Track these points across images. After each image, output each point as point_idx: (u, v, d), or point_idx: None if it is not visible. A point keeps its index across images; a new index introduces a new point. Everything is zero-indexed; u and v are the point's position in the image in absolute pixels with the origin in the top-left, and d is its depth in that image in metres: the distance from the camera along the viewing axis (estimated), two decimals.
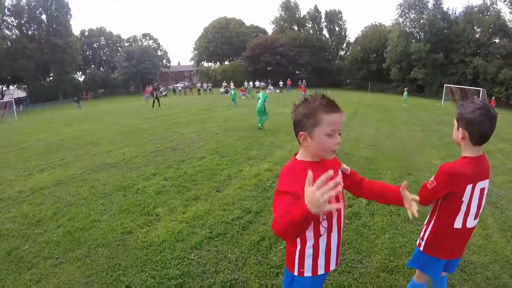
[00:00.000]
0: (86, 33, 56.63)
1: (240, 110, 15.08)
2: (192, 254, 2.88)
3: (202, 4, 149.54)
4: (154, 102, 19.92)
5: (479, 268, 2.95)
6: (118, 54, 57.33)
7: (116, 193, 4.47)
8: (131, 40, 62.69)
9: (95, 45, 58.13)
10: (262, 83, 22.24)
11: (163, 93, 40.57)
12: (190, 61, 68.58)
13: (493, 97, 29.63)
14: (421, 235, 1.90)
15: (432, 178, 1.70)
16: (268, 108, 9.60)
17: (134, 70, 50.87)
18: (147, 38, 64.43)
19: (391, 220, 3.57)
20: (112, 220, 3.62)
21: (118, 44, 61.12)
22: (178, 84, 46.57)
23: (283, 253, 2.88)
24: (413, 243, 3.07)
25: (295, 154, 1.40)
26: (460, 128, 1.68)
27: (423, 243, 1.87)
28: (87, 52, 57.08)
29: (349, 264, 2.76)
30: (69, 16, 47.00)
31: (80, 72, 56.05)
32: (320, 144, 1.28)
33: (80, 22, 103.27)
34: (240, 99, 23.06)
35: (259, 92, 10.19)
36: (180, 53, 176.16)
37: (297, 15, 59.40)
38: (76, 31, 52.14)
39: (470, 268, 2.92)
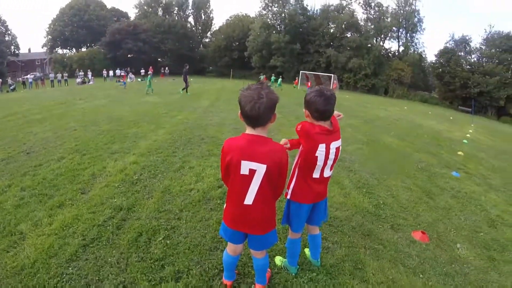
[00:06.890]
0: None
1: (99, 102, 13.44)
2: (70, 268, 2.60)
3: None
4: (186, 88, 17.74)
5: (344, 220, 3.63)
6: None
7: None
8: None
9: None
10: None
11: (11, 87, 32.10)
12: (42, 47, 57.67)
13: (335, 81, 35.65)
14: (288, 186, 2.31)
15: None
16: None
17: None
18: None
19: None
20: None
21: None
22: (28, 76, 37.72)
23: (164, 244, 2.94)
24: None
25: None
26: (303, 109, 2.14)
27: (289, 192, 2.29)
28: None
29: None
30: None
31: None
32: None
33: None
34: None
35: None
36: (31, 38, 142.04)
37: (163, 1, 56.60)
38: None
39: (337, 222, 3.58)
